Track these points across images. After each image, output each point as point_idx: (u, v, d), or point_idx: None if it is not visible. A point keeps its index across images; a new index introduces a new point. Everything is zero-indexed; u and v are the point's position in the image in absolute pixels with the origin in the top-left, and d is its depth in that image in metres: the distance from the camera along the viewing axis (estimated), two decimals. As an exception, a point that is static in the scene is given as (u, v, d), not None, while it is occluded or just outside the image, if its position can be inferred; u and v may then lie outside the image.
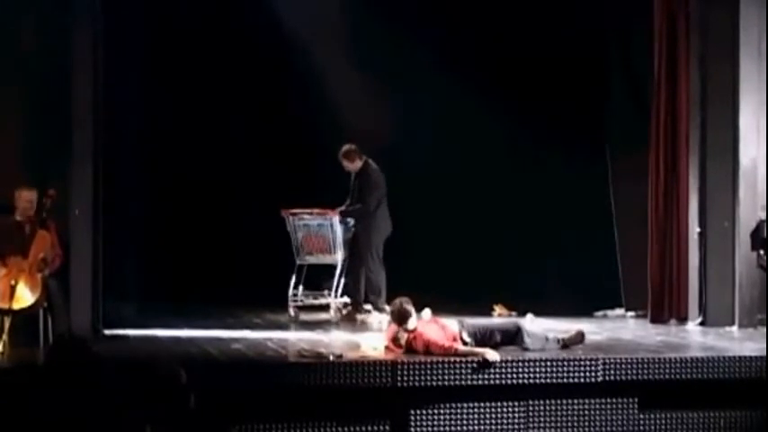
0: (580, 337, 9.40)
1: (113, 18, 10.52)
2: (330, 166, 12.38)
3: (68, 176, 10.12)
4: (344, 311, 11.94)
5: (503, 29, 13.55)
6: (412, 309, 8.97)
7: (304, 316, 11.85)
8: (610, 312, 12.54)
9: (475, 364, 8.46)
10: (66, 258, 9.94)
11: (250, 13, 13.18)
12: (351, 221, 12.06)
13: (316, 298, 11.98)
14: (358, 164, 12.10)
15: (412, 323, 8.92)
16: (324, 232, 12.04)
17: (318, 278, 12.12)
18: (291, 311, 11.84)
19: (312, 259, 12.05)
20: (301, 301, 11.91)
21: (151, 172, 13.16)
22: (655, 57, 11.74)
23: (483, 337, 9.01)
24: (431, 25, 13.42)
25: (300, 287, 11.97)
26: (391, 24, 13.07)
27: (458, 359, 8.49)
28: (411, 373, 8.36)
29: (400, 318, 8.95)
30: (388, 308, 11.65)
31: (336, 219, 11.96)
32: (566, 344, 9.25)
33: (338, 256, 11.93)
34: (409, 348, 8.86)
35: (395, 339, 9.01)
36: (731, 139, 11.29)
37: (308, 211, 12.03)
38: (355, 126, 12.96)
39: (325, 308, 11.89)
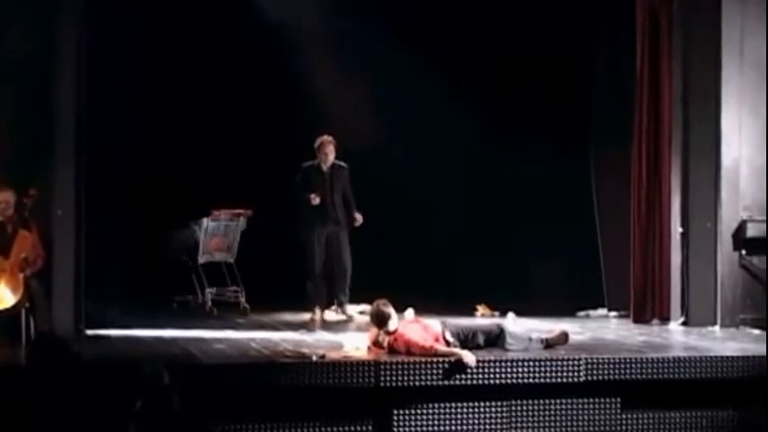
0: (564, 337, 9.41)
1: (98, 20, 10.50)
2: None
3: (51, 177, 10.08)
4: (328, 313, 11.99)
5: (487, 27, 13.56)
6: (390, 310, 8.97)
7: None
8: (592, 312, 12.56)
9: (450, 366, 8.46)
10: (48, 258, 9.91)
11: (235, 17, 13.17)
12: None
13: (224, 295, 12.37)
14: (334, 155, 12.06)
15: (392, 324, 8.93)
16: (227, 232, 12.47)
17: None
18: (209, 309, 12.11)
19: (208, 258, 12.39)
20: (215, 297, 12.22)
21: (134, 172, 13.13)
22: (637, 57, 11.78)
23: (466, 338, 9.02)
24: (414, 23, 13.43)
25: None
26: (372, 21, 13.06)
27: (438, 359, 8.50)
28: (394, 373, 8.37)
29: (379, 321, 8.96)
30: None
31: (244, 220, 12.41)
32: (549, 344, 9.27)
33: (231, 255, 12.42)
34: (391, 350, 8.87)
35: (376, 342, 9.02)
36: (713, 140, 11.33)
37: (223, 211, 12.40)
38: (337, 124, 12.95)
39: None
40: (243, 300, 12.28)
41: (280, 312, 12.09)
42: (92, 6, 10.34)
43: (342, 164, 11.98)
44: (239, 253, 12.62)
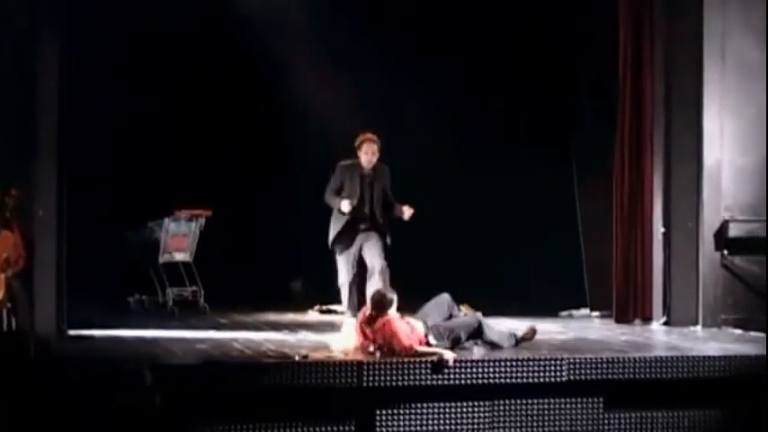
0: (532, 332, 9.49)
1: (79, 17, 10.47)
2: (300, 167, 12.38)
3: (33, 177, 10.06)
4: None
5: (473, 33, 13.58)
6: (394, 297, 9.01)
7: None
8: (575, 312, 12.59)
9: (431, 365, 8.47)
10: (30, 259, 9.88)
11: (217, 15, 13.16)
12: None
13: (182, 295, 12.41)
14: (377, 155, 10.73)
15: (391, 312, 8.95)
16: (186, 232, 12.47)
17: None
18: (170, 309, 12.16)
19: (168, 258, 12.44)
20: (177, 297, 12.28)
21: (116, 172, 13.12)
22: (620, 59, 11.81)
23: (448, 338, 9.05)
24: (399, 27, 13.43)
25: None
26: (355, 22, 13.05)
27: (418, 359, 8.50)
28: (377, 373, 8.36)
29: (383, 305, 8.93)
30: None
31: (203, 221, 12.35)
32: (519, 340, 9.37)
33: (189, 256, 12.47)
34: (375, 333, 8.82)
35: (367, 321, 8.96)
36: (695, 142, 11.39)
37: (183, 211, 12.42)
38: (325, 126, 12.98)
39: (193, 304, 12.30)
40: (201, 299, 12.28)
41: (240, 312, 12.07)
42: (72, 8, 10.31)
43: (384, 165, 10.86)
44: (199, 252, 12.62)
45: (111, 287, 12.33)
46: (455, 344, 8.97)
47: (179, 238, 12.48)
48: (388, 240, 10.77)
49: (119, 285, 12.46)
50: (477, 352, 8.78)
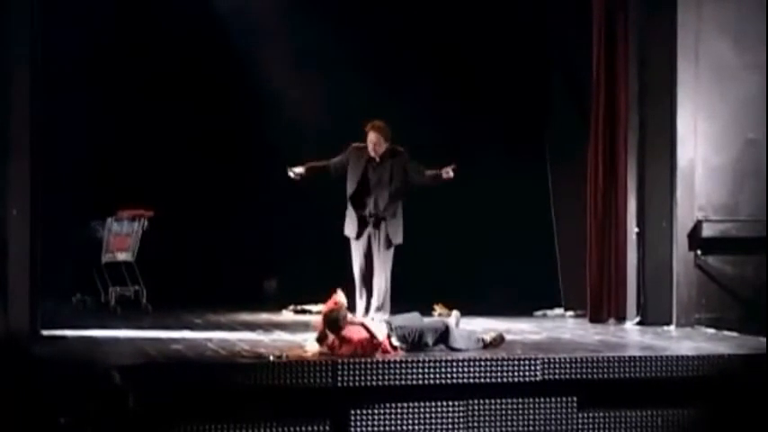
0: (500, 339, 9.42)
1: (53, 15, 10.43)
2: (276, 167, 12.33)
3: (5, 176, 10.00)
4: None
5: (445, 32, 13.59)
6: (347, 315, 8.91)
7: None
8: (549, 312, 12.62)
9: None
10: (3, 259, 9.83)
11: (190, 20, 13.15)
12: None
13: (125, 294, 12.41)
14: (384, 146, 10.59)
15: (347, 325, 8.88)
16: (129, 232, 12.47)
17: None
18: (113, 308, 12.16)
19: (111, 258, 12.44)
20: (120, 296, 12.28)
21: (89, 172, 13.08)
22: (593, 58, 11.85)
23: (413, 339, 9.00)
24: (371, 26, 13.43)
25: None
26: (323, 20, 13.04)
27: (395, 359, 8.50)
28: (351, 372, 8.36)
29: (337, 326, 8.81)
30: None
31: (146, 221, 12.36)
32: (486, 345, 9.30)
33: (132, 255, 12.46)
34: (340, 348, 8.76)
35: (329, 342, 8.90)
36: (669, 141, 11.44)
37: (126, 211, 12.43)
38: (295, 127, 12.96)
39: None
40: (144, 299, 12.28)
41: (187, 312, 12.04)
42: (45, 8, 10.26)
43: (399, 149, 10.68)
44: (142, 252, 12.59)
45: (54, 287, 12.25)
46: (422, 348, 8.94)
47: (121, 237, 12.51)
48: (399, 238, 10.80)
49: (61, 285, 12.38)
50: (441, 356, 8.74)
